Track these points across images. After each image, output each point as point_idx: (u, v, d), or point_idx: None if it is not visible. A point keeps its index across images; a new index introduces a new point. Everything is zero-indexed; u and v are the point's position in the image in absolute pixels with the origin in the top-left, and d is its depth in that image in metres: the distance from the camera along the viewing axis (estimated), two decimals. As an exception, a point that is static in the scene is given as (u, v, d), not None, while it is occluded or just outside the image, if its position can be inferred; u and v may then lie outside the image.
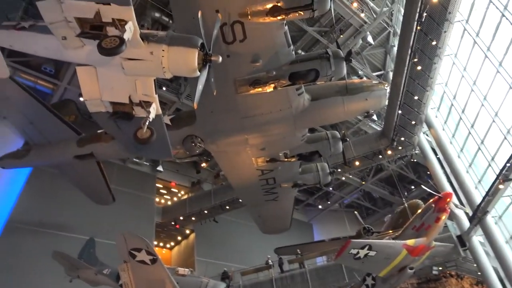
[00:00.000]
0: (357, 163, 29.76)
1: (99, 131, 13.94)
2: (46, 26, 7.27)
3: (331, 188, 39.48)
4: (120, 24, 7.01)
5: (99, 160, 15.04)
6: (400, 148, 28.68)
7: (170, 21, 22.79)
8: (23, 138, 15.00)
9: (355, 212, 26.61)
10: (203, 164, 33.17)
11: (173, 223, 33.87)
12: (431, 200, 15.92)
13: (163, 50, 7.39)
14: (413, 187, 40.76)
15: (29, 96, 13.14)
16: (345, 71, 12.22)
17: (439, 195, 15.78)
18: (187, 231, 36.57)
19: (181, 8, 10.34)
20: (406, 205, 21.88)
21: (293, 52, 11.85)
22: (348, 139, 16.89)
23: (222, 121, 13.20)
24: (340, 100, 13.50)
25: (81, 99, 9.26)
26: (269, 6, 10.16)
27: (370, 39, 26.16)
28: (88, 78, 8.51)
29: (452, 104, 25.39)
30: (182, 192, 38.19)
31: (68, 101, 17.50)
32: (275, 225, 19.00)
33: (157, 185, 35.03)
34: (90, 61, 8.13)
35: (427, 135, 28.95)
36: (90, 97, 8.83)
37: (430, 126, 27.14)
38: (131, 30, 7.00)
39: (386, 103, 16.17)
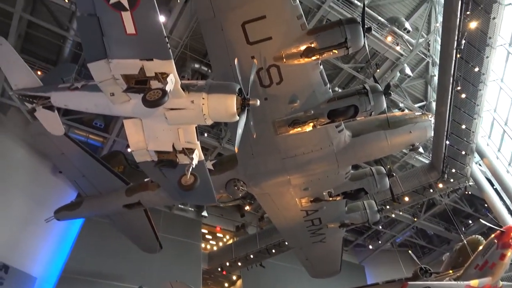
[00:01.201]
0: (406, 198, 28.42)
1: (145, 180, 14.40)
2: (96, 84, 7.83)
3: (381, 227, 37.68)
4: (162, 77, 7.41)
5: (146, 208, 15.42)
6: (452, 180, 27.16)
7: (209, 70, 23.82)
8: (76, 190, 15.80)
9: (410, 251, 25.02)
10: (247, 207, 33.04)
11: (219, 269, 33.42)
12: (492, 235, 14.74)
13: (203, 98, 7.67)
14: (470, 221, 38.05)
15: (82, 151, 14.00)
16: (385, 105, 12.02)
17: (501, 229, 14.59)
18: (234, 277, 35.86)
19: (218, 57, 10.81)
20: (465, 241, 20.32)
21: (330, 90, 11.88)
22: (394, 174, 16.28)
23: (263, 163, 13.22)
24: (382, 135, 13.21)
25: (129, 150, 9.68)
26: (303, 47, 10.39)
27: (408, 71, 25.79)
28: (135, 130, 8.94)
29: (504, 131, 24.02)
30: (227, 237, 37.93)
31: (116, 152, 18.39)
32: (324, 268, 18.23)
33: (202, 230, 35.11)
34: (136, 114, 8.57)
35: (480, 165, 27.34)
36: (136, 148, 9.21)
37: (482, 155, 25.68)
38: (172, 82, 7.37)
39: (432, 134, 15.58)
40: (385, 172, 14.83)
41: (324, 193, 14.52)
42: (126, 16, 6.81)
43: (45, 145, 13.91)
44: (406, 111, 22.14)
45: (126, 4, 6.70)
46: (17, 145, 22.84)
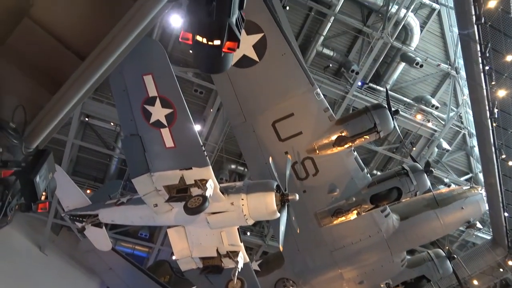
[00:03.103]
0: (475, 282, 25.48)
1: (192, 288, 14.01)
2: (140, 198, 8.23)
3: (454, 318, 33.39)
4: (201, 183, 7.72)
5: (195, 319, 14.72)
6: (522, 255, 24.48)
7: (245, 170, 24.42)
8: (124, 306, 15.50)
9: None
10: (301, 309, 30.63)
11: None
12: None
13: (242, 199, 7.81)
14: (558, 301, 33.11)
15: (129, 264, 14.12)
16: (429, 183, 11.70)
17: None
18: None
19: (253, 157, 11.24)
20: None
21: (368, 175, 11.79)
22: (455, 256, 15.05)
23: (311, 258, 12.70)
24: (432, 215, 12.63)
25: (174, 258, 9.68)
26: (334, 137, 10.68)
27: (445, 145, 25.26)
28: (178, 238, 9.08)
29: None
30: None
31: (162, 262, 18.33)
32: None
33: None
34: (179, 222, 8.77)
35: (551, 235, 24.72)
36: (181, 256, 9.25)
37: (550, 224, 23.36)
38: (211, 187, 7.63)
39: (487, 207, 14.67)
40: (444, 254, 13.86)
41: (382, 285, 13.53)
42: (165, 132, 7.43)
43: (94, 261, 14.18)
44: (453, 186, 21.27)
45: (165, 122, 7.36)
46: (68, 263, 23.31)
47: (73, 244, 22.89)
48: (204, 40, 3.67)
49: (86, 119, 21.59)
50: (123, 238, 25.89)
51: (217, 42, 3.69)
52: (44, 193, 3.98)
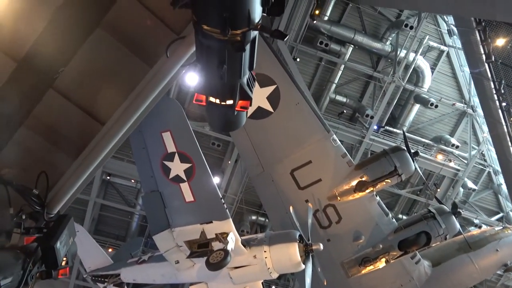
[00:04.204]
0: (522, 331, 23.51)
1: None
2: (162, 255, 8.15)
3: None
4: (222, 237, 7.63)
5: None
6: None
7: (266, 220, 24.01)
8: None
9: None
10: None
11: None
12: None
13: (265, 251, 7.67)
14: None
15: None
16: (458, 225, 11.22)
17: None
18: None
19: (273, 207, 11.12)
20: None
21: (394, 220, 11.42)
22: (497, 303, 14.06)
23: (340, 312, 12.00)
24: (466, 259, 11.97)
25: (197, 318, 9.32)
26: (354, 183, 10.52)
27: (471, 184, 24.44)
28: (201, 296, 8.80)
29: None
30: None
31: (185, 322, 17.63)
32: None
33: None
34: (201, 278, 8.58)
35: None
36: (205, 316, 8.89)
37: None
38: (233, 240, 7.54)
39: (523, 248, 13.85)
40: (484, 302, 12.88)
41: None
42: (185, 186, 7.51)
43: (115, 324, 13.74)
44: (484, 227, 20.30)
45: (184, 176, 7.47)
46: (89, 327, 22.69)
47: (94, 306, 22.39)
48: (217, 101, 3.80)
49: (108, 177, 22.01)
50: (145, 298, 25.23)
51: (229, 102, 3.82)
52: (64, 258, 3.99)
